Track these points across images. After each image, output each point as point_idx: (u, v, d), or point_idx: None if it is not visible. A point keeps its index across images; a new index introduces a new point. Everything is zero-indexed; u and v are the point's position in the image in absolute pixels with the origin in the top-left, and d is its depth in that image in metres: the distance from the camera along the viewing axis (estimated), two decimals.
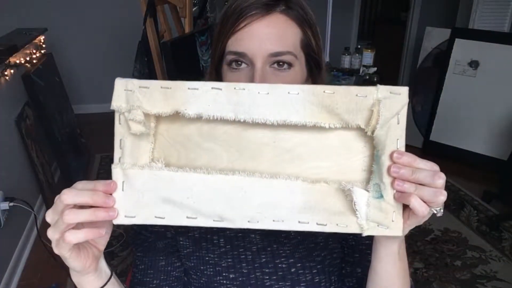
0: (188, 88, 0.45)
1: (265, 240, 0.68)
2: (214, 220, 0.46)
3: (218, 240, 0.68)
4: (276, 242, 0.68)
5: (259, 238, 0.68)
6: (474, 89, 3.02)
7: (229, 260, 0.67)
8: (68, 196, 0.45)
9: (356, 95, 0.45)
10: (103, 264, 0.54)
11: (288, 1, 0.60)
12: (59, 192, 0.46)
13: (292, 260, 0.67)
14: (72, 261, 0.48)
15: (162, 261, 0.68)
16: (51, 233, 0.46)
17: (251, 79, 0.59)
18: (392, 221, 0.45)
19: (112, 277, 0.56)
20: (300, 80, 0.63)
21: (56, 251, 0.47)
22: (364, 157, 0.48)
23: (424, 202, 0.45)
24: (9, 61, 2.16)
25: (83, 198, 0.45)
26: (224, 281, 0.67)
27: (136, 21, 2.65)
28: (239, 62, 0.60)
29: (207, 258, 0.68)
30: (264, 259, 0.67)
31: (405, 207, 0.46)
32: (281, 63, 0.60)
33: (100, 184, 0.46)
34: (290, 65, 0.60)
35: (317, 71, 0.66)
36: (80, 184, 0.47)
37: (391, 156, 0.45)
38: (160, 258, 0.69)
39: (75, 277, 0.52)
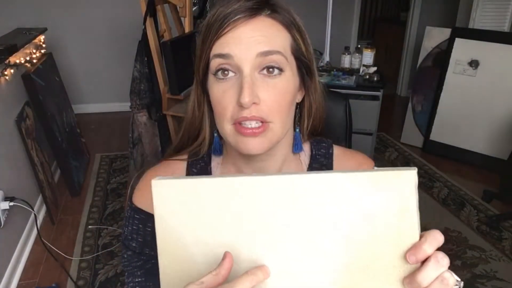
0: None
1: None
2: None
3: None
4: None
5: None
6: (474, 88, 3.03)
7: None
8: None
9: None
10: None
11: (274, 5, 0.58)
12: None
13: None
14: None
15: None
16: None
17: (239, 87, 0.54)
18: None
19: None
20: (293, 87, 0.59)
21: None
22: None
23: None
24: (9, 61, 2.16)
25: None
26: None
27: (136, 21, 2.66)
28: (226, 71, 0.56)
29: None
30: None
31: None
32: (271, 69, 0.56)
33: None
34: (280, 70, 0.56)
35: (309, 78, 0.63)
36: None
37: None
38: None
39: None
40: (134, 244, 0.64)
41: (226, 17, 0.55)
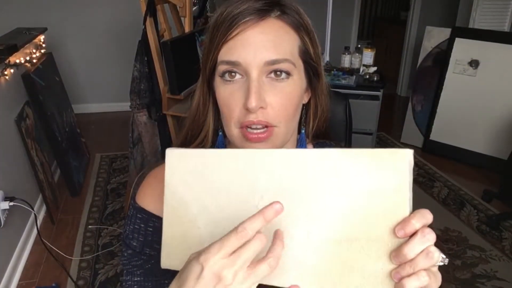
0: None
1: None
2: None
3: None
4: None
5: None
6: (474, 88, 3.02)
7: None
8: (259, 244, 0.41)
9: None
10: None
11: (283, 6, 0.57)
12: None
13: None
14: None
15: (166, 285, 0.54)
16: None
17: (246, 91, 0.54)
18: None
19: None
20: (299, 90, 0.59)
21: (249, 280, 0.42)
22: None
23: None
24: (9, 61, 2.16)
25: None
26: None
27: (136, 21, 2.65)
28: (233, 73, 0.56)
29: None
30: None
31: None
32: (278, 72, 0.55)
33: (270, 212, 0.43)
34: (288, 74, 0.56)
35: (316, 80, 0.63)
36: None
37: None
38: (165, 282, 0.59)
39: None
40: (134, 243, 0.64)
41: (235, 19, 0.54)
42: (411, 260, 0.42)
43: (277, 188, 0.46)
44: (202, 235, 0.49)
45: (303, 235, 0.46)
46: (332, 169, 0.45)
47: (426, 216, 0.43)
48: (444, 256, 0.43)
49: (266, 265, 0.41)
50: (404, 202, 0.44)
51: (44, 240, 2.04)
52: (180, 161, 0.49)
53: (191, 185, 0.49)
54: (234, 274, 0.40)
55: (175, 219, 0.50)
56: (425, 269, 0.42)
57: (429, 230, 0.42)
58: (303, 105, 0.65)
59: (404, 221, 0.43)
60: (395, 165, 0.44)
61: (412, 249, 0.42)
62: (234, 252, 0.41)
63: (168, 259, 0.51)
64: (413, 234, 0.43)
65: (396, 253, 0.43)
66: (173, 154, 0.50)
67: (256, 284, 0.42)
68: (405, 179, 0.43)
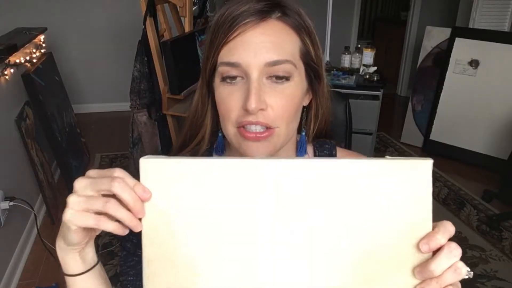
0: None
1: None
2: None
3: None
4: None
5: None
6: (474, 88, 3.02)
7: None
8: (118, 188, 0.42)
9: None
10: (91, 249, 0.50)
11: (284, 7, 0.57)
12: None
13: None
14: (74, 233, 0.45)
15: None
16: (77, 204, 0.43)
17: (246, 92, 0.53)
18: None
19: (98, 265, 0.52)
20: (300, 92, 0.59)
21: (67, 217, 0.43)
22: None
23: None
24: (9, 61, 2.16)
25: (125, 196, 0.42)
26: None
27: (136, 21, 2.66)
28: (234, 77, 0.55)
29: None
30: None
31: None
32: (279, 76, 0.55)
33: (139, 188, 0.42)
34: (289, 76, 0.55)
35: (317, 82, 0.62)
36: (121, 178, 0.43)
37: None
38: None
39: (62, 252, 0.49)
40: (129, 245, 0.65)
41: (235, 20, 0.54)
42: (438, 276, 0.41)
43: (282, 202, 0.42)
44: (186, 254, 0.44)
45: (319, 250, 0.43)
46: (350, 182, 0.42)
47: (449, 229, 0.41)
48: (469, 269, 0.42)
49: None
50: (427, 215, 0.42)
51: (44, 240, 2.04)
52: (158, 172, 0.43)
53: (175, 199, 0.44)
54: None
55: (157, 237, 0.44)
56: (451, 284, 0.41)
57: (455, 246, 0.41)
58: (304, 107, 0.64)
59: (428, 236, 0.41)
60: (417, 177, 0.42)
61: (439, 266, 0.41)
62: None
63: (152, 283, 0.45)
64: (439, 249, 0.41)
65: (421, 268, 0.42)
66: (148, 164, 0.43)
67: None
68: (428, 191, 0.42)
